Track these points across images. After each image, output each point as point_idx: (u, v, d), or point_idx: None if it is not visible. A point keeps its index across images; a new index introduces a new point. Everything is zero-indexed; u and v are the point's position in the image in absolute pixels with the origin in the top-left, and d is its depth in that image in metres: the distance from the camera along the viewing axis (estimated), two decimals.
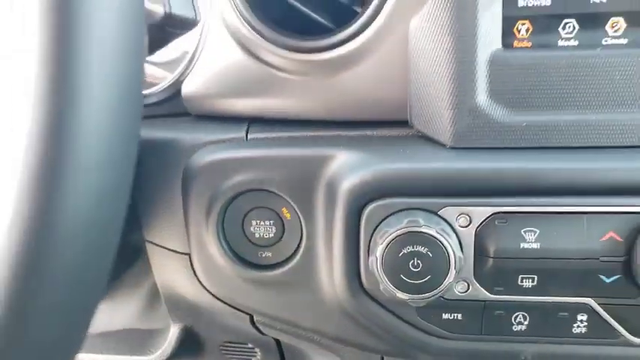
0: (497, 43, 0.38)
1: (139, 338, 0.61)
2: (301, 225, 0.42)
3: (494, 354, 0.41)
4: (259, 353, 0.61)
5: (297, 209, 0.42)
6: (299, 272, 0.43)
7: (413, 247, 0.35)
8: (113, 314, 0.61)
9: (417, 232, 0.35)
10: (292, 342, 0.54)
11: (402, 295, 0.36)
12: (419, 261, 0.35)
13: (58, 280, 0.18)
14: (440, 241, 0.35)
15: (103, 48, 0.17)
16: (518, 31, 0.38)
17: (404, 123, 0.42)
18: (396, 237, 0.35)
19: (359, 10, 0.41)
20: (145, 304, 0.60)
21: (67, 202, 0.17)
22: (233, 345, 0.60)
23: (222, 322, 0.52)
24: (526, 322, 0.39)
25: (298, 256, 0.43)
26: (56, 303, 0.19)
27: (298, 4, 0.42)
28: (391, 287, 0.36)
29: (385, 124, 0.42)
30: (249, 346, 0.60)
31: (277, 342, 0.58)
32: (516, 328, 0.39)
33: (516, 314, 0.39)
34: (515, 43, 0.39)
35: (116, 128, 0.18)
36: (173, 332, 0.59)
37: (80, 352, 0.59)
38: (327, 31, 0.42)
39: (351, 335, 0.44)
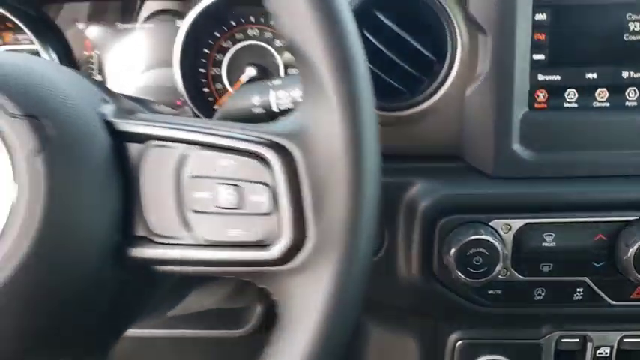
0: (525, 107, 0.55)
1: (227, 316, 0.76)
2: (384, 231, 0.59)
3: (520, 316, 0.60)
4: None
5: (381, 221, 0.59)
6: (381, 264, 0.60)
7: (476, 249, 0.53)
8: (204, 297, 0.76)
9: (480, 238, 0.53)
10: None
11: (466, 280, 0.54)
12: (479, 257, 0.53)
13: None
14: (494, 244, 0.53)
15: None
16: (538, 97, 0.56)
17: (456, 157, 0.59)
18: (466, 242, 0.53)
19: (425, 79, 0.57)
20: (235, 287, 0.75)
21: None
22: None
23: None
24: (543, 294, 0.57)
25: (381, 253, 0.60)
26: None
27: (380, 72, 0.57)
28: (461, 275, 0.54)
29: (443, 158, 0.59)
30: None
31: None
32: (536, 298, 0.57)
33: (537, 289, 0.57)
34: (536, 105, 0.56)
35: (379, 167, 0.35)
36: (259, 309, 0.75)
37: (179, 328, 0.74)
38: (400, 94, 0.58)
39: (418, 307, 0.62)
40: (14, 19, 0.61)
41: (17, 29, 0.67)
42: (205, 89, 0.67)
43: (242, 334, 0.74)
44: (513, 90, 0.54)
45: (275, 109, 0.48)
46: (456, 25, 0.55)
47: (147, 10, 0.69)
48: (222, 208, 0.35)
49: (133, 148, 0.37)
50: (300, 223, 0.34)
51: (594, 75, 0.55)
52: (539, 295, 0.57)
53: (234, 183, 0.35)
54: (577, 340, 0.64)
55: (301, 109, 0.36)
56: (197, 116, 0.64)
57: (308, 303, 0.34)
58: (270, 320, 0.75)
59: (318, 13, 0.33)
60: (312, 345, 0.34)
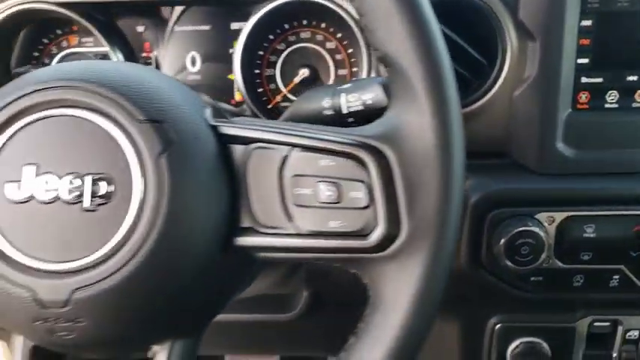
0: (569, 107, 0.59)
1: (275, 301, 0.81)
2: None
3: (559, 301, 0.65)
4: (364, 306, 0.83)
5: None
6: None
7: (524, 239, 0.57)
8: (254, 283, 0.80)
9: (528, 230, 0.57)
10: None
11: (514, 268, 0.59)
12: (527, 247, 0.58)
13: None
14: (540, 234, 0.57)
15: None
16: (580, 98, 0.60)
17: (501, 154, 0.63)
18: (515, 233, 0.57)
19: (476, 81, 0.61)
20: (282, 274, 0.80)
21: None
22: (348, 303, 0.81)
23: (357, 285, 0.73)
24: (582, 281, 0.62)
25: None
26: None
27: None
28: (509, 263, 0.58)
29: (489, 155, 0.64)
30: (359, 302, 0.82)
31: None
32: (575, 284, 0.62)
33: (576, 276, 0.62)
34: (578, 106, 0.60)
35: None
36: (305, 295, 0.79)
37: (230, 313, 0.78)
38: None
39: (462, 293, 0.66)
40: (86, 23, 0.65)
41: (81, 32, 0.71)
42: (259, 89, 0.71)
43: (289, 318, 0.79)
44: (559, 92, 0.58)
45: (345, 111, 0.52)
46: (506, 31, 0.59)
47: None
48: (323, 202, 0.39)
49: (237, 149, 0.41)
50: (395, 217, 0.38)
51: (635, 77, 0.59)
52: (578, 281, 0.62)
53: (334, 181, 0.39)
54: (608, 324, 0.68)
55: (392, 113, 0.40)
56: (256, 116, 0.68)
57: (399, 287, 0.38)
58: (314, 305, 0.80)
59: (412, 27, 0.38)
60: (403, 325, 0.38)
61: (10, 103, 0.39)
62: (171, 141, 0.38)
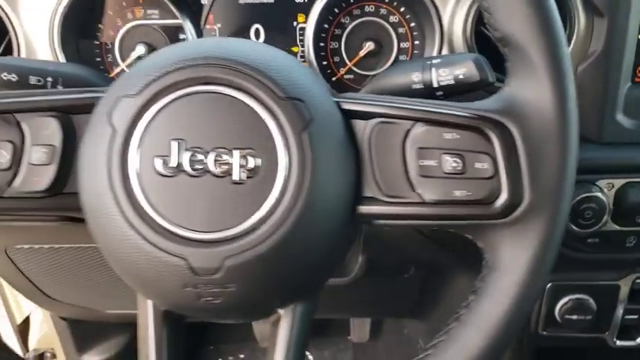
0: (629, 81, 0.63)
1: None
2: None
3: (609, 260, 0.70)
4: (413, 269, 0.87)
5: None
6: None
7: (588, 204, 0.62)
8: None
9: (592, 195, 0.62)
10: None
11: (576, 231, 0.63)
12: (590, 211, 0.62)
13: None
14: (602, 199, 0.62)
15: None
16: (639, 73, 0.64)
17: None
18: (580, 199, 0.62)
19: None
20: None
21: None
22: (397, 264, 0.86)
23: (409, 250, 0.78)
24: (634, 242, 0.67)
25: None
26: None
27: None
28: (573, 227, 0.63)
29: None
30: (409, 265, 0.87)
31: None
32: (628, 245, 0.67)
33: (629, 237, 0.67)
34: (636, 80, 0.64)
35: None
36: (361, 260, 0.84)
37: None
38: None
39: None
40: None
41: (146, 4, 0.72)
42: (324, 62, 0.73)
43: (347, 282, 0.83)
44: (622, 67, 0.62)
45: (435, 85, 0.55)
46: (574, 7, 0.62)
47: None
48: (448, 173, 0.42)
49: (358, 123, 0.44)
50: (518, 186, 0.41)
51: None
52: (631, 242, 0.67)
53: (459, 153, 0.42)
54: None
55: (510, 89, 0.43)
56: None
57: (518, 250, 0.42)
58: (369, 270, 0.84)
59: (533, 8, 0.40)
60: (521, 284, 0.42)
61: (154, 80, 0.41)
62: (310, 118, 0.41)
